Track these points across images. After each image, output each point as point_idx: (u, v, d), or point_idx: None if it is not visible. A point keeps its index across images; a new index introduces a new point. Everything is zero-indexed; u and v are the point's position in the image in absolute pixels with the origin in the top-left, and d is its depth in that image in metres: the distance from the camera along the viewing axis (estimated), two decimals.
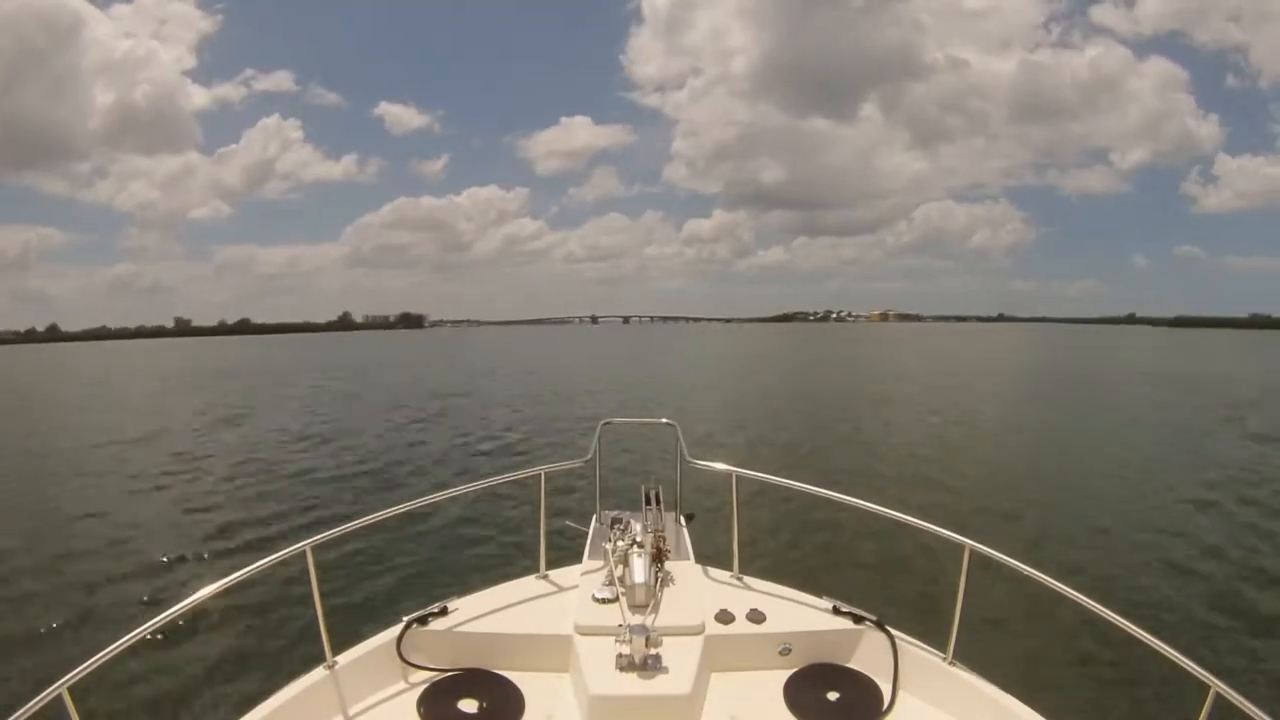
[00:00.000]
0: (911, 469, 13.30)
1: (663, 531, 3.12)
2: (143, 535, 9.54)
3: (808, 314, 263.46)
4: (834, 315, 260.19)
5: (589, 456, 3.63)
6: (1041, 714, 2.22)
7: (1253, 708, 1.84)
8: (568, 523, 3.47)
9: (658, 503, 3.37)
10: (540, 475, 3.29)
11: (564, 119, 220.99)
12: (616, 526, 3.21)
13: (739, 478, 3.26)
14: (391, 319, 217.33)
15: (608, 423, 3.92)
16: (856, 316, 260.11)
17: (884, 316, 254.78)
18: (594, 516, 3.46)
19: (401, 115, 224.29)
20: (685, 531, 3.40)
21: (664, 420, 4.01)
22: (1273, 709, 1.82)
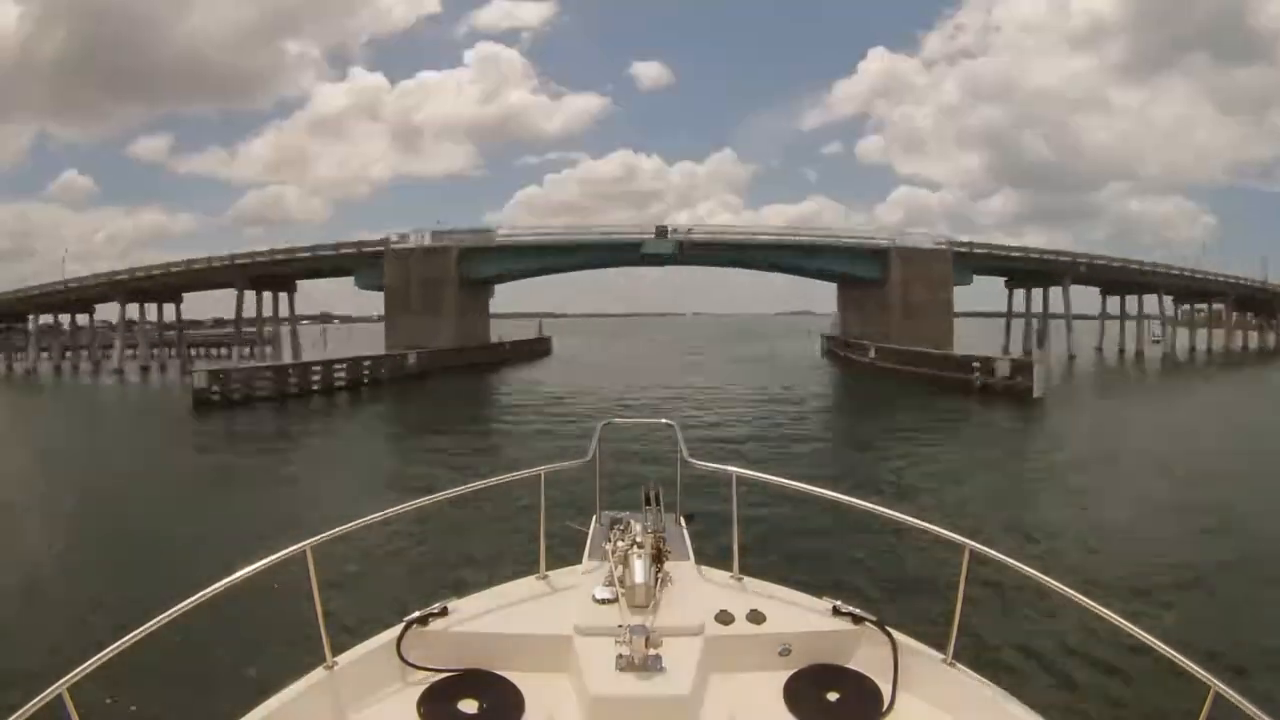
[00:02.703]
0: None
1: (663, 532, 3.11)
2: None
3: None
4: None
5: (589, 457, 3.63)
6: (1041, 714, 2.22)
7: (1253, 708, 1.84)
8: (568, 523, 3.47)
9: (658, 503, 3.37)
10: (540, 475, 3.29)
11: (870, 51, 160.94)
12: (616, 527, 3.21)
13: (739, 478, 3.26)
14: None
15: (608, 423, 3.92)
16: None
17: None
18: (594, 517, 3.46)
19: (649, 70, 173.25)
20: (685, 532, 3.40)
21: (664, 420, 4.03)
22: (1273, 709, 1.82)
